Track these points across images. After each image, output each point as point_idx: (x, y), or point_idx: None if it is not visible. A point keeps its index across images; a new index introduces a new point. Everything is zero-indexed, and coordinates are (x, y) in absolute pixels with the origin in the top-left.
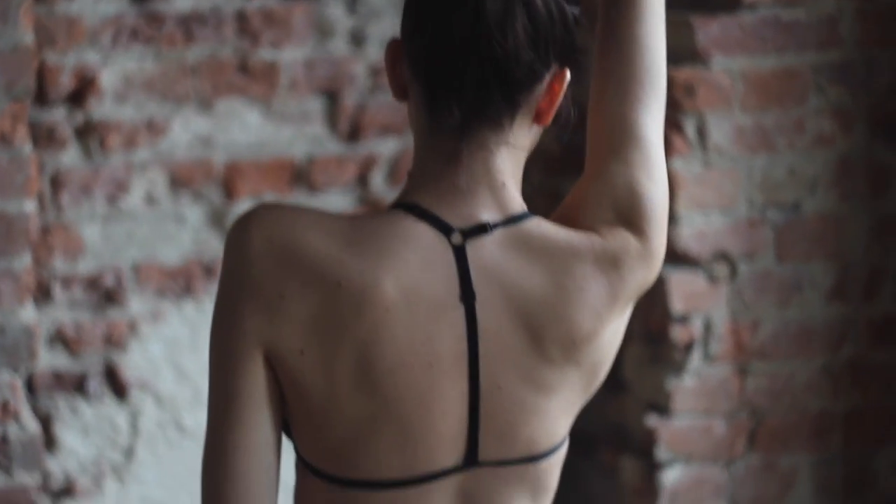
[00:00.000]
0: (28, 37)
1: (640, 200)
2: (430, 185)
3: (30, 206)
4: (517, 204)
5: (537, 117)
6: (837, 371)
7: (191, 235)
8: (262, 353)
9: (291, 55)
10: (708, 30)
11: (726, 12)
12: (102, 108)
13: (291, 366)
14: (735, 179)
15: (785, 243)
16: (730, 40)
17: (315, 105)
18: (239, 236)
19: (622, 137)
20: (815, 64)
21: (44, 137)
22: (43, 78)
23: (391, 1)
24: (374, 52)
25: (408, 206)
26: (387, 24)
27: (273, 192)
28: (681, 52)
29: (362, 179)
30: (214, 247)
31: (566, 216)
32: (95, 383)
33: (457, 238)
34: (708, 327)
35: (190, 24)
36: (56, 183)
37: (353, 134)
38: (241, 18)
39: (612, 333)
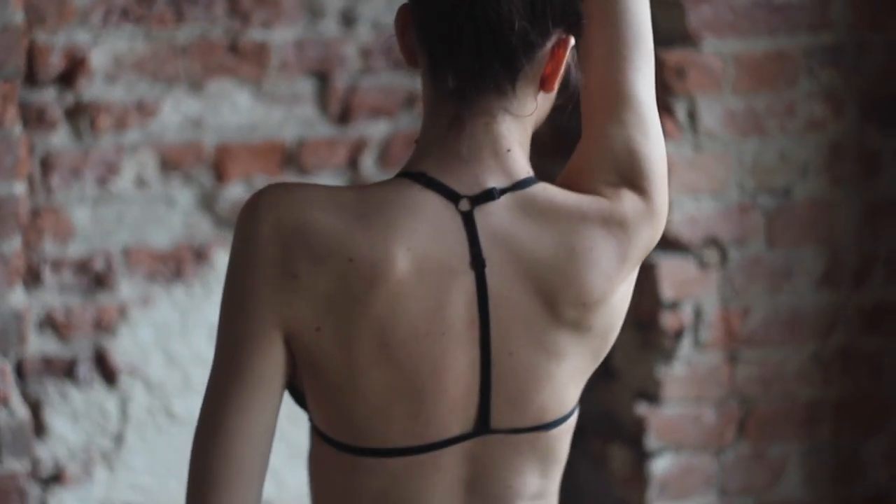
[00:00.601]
0: (18, 16)
1: (639, 160)
2: (436, 152)
3: (20, 188)
4: (524, 169)
5: (542, 84)
6: (827, 359)
7: (181, 219)
8: (280, 333)
9: (282, 36)
10: (699, 11)
11: None
12: (92, 88)
13: (308, 342)
14: (726, 164)
15: (776, 229)
16: (721, 22)
17: (306, 86)
18: (248, 220)
19: (615, 99)
20: (806, 47)
21: (34, 118)
22: (33, 58)
23: None
24: (366, 33)
25: (414, 174)
26: (378, 5)
27: (263, 175)
28: (672, 33)
29: (353, 162)
30: (205, 230)
31: (569, 182)
32: (85, 369)
33: (464, 205)
34: (698, 314)
35: (180, 4)
36: (46, 165)
37: (344, 116)
38: None
39: (621, 296)
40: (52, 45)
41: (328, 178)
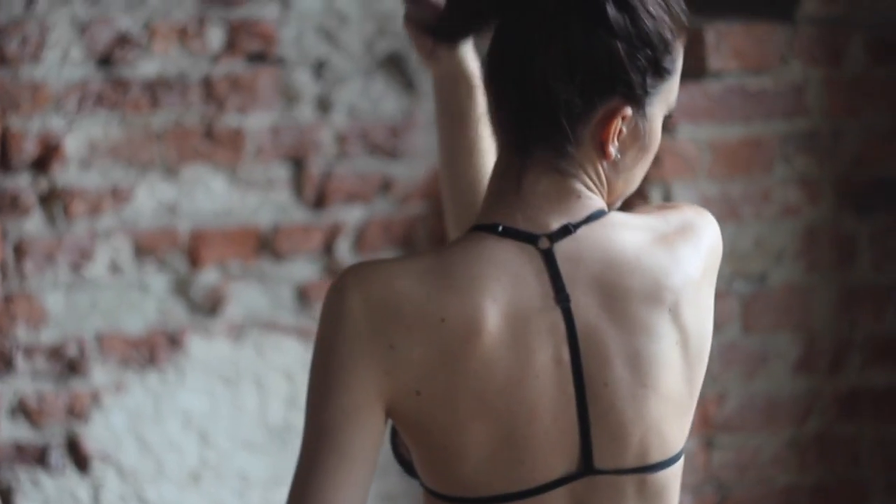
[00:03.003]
0: None
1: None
2: (504, 202)
3: None
4: (594, 207)
5: (598, 149)
6: (804, 444)
7: (155, 305)
8: (381, 404)
9: (257, 121)
10: None
11: (692, 80)
12: (67, 174)
13: (409, 407)
14: None
15: (751, 314)
16: (696, 109)
17: (281, 172)
18: (337, 301)
19: None
20: (781, 133)
21: (7, 204)
22: (7, 144)
23: (357, 67)
24: (341, 119)
25: (488, 227)
26: (353, 91)
27: (238, 260)
28: None
29: (328, 248)
30: (178, 316)
31: None
32: (57, 455)
33: (544, 243)
34: None
35: (155, 90)
36: (19, 250)
37: (319, 201)
38: (207, 84)
39: (707, 303)
40: (26, 131)
41: (303, 264)
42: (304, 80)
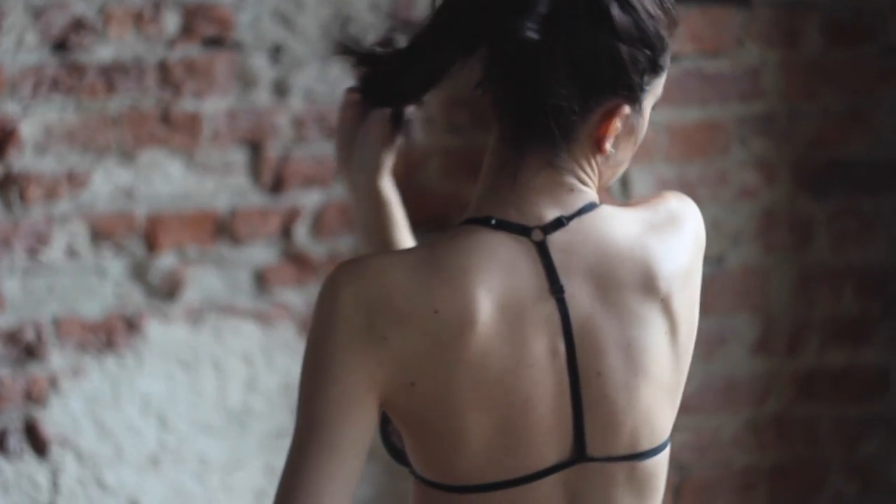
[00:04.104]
0: None
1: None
2: (497, 195)
3: None
4: (586, 200)
5: (594, 145)
6: (762, 425)
7: (112, 289)
8: (374, 397)
9: (214, 106)
10: None
11: None
12: (22, 159)
13: (404, 398)
14: None
15: (709, 296)
16: None
17: (238, 156)
18: (330, 296)
19: None
20: (738, 116)
21: None
22: None
23: (315, 51)
24: (298, 103)
25: (480, 219)
26: (311, 75)
27: (195, 244)
28: None
29: (286, 231)
30: (136, 300)
31: None
32: (15, 440)
33: (537, 235)
34: None
35: (111, 75)
36: None
37: (277, 185)
38: (163, 69)
39: (693, 294)
40: None
41: (261, 248)
42: (260, 64)
